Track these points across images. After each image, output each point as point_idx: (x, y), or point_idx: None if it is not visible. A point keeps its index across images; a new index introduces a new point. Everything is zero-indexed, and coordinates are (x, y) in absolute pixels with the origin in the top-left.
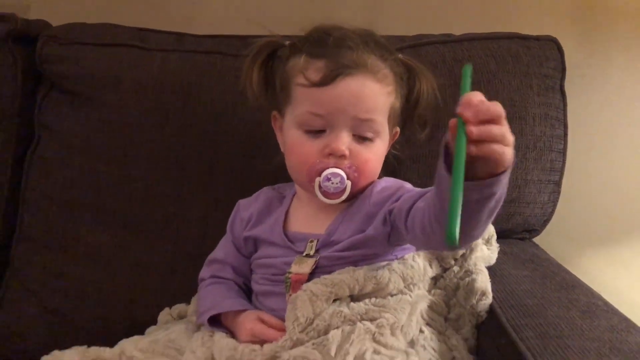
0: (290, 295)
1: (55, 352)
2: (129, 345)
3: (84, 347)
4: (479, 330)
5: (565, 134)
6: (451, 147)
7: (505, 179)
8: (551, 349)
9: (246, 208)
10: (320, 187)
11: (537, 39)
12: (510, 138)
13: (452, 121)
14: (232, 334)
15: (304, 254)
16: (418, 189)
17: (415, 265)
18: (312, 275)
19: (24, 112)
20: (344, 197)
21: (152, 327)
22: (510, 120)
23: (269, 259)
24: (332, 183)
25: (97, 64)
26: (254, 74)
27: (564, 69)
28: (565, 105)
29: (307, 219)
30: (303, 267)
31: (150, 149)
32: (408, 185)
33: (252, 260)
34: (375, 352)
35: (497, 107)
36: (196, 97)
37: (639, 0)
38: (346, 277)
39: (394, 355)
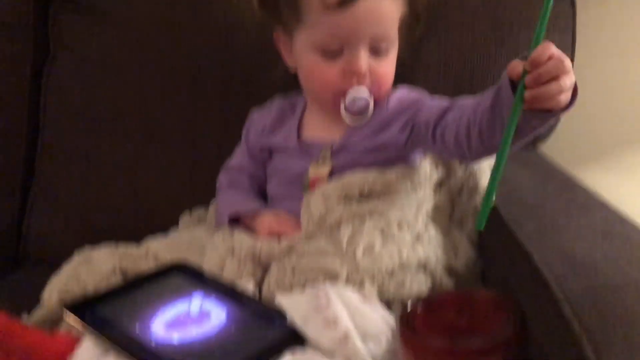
0: None
1: (87, 249)
2: (154, 243)
3: (113, 246)
4: None
5: (574, 42)
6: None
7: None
8: (548, 239)
9: (260, 119)
10: (345, 107)
11: None
12: (568, 85)
13: (515, 66)
14: (251, 233)
15: (320, 159)
16: (440, 101)
17: (422, 168)
18: (328, 179)
19: (38, 27)
20: (369, 114)
21: (175, 229)
22: (518, 29)
23: (284, 164)
24: (358, 103)
25: None
26: None
27: None
28: (574, 14)
29: (321, 127)
30: (321, 170)
31: (165, 62)
32: (426, 96)
33: (267, 166)
34: (384, 244)
35: (563, 64)
36: (208, 9)
37: None
38: (356, 178)
39: (400, 247)
